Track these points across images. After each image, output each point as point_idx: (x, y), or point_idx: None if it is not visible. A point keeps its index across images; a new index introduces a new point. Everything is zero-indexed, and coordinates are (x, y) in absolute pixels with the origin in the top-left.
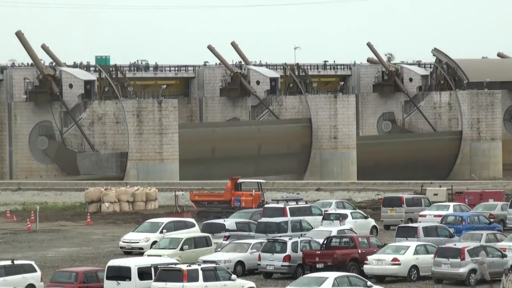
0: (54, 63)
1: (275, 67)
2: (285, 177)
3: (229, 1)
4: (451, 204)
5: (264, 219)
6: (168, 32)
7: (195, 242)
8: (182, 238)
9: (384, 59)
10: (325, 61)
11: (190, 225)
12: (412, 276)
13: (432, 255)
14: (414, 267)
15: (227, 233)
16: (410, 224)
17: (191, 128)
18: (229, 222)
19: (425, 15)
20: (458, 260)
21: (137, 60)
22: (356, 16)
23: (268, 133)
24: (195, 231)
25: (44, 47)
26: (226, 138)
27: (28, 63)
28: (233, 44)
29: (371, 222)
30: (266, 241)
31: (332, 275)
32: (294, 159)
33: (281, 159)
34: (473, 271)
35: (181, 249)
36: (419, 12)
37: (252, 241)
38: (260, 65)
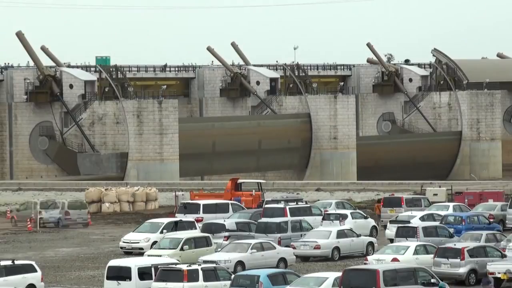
0: (55, 66)
1: (275, 67)
2: (286, 173)
3: (229, 1)
4: (451, 204)
5: (264, 219)
6: (168, 32)
7: (195, 242)
8: (182, 238)
9: (384, 59)
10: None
11: (190, 225)
12: None
13: (432, 255)
14: None
15: (227, 233)
16: (410, 224)
17: (191, 123)
18: (229, 222)
19: (425, 15)
20: (458, 260)
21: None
22: (356, 16)
23: (268, 128)
24: (195, 231)
25: (43, 49)
26: (226, 133)
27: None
28: (233, 45)
29: (371, 222)
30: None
31: (332, 275)
32: (295, 154)
33: (281, 154)
34: (472, 271)
35: (181, 249)
36: (419, 12)
37: (252, 241)
38: (260, 65)
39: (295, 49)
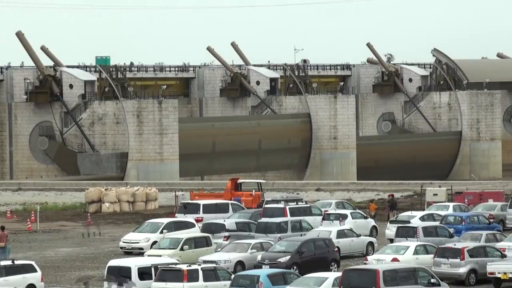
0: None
1: (275, 67)
2: (286, 173)
3: (229, 1)
4: (451, 204)
5: (264, 219)
6: (168, 32)
7: (195, 242)
8: (182, 238)
9: (384, 59)
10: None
11: (190, 225)
12: None
13: (432, 255)
14: None
15: (227, 233)
16: (410, 224)
17: (191, 123)
18: (229, 222)
19: (425, 15)
20: (458, 260)
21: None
22: (356, 16)
23: (268, 128)
24: (195, 231)
25: (43, 49)
26: (226, 133)
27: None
28: (233, 45)
29: (371, 222)
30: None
31: (332, 275)
32: (294, 154)
33: (281, 154)
34: (472, 271)
35: (181, 249)
36: (419, 12)
37: (252, 241)
38: (260, 65)
39: (295, 50)
